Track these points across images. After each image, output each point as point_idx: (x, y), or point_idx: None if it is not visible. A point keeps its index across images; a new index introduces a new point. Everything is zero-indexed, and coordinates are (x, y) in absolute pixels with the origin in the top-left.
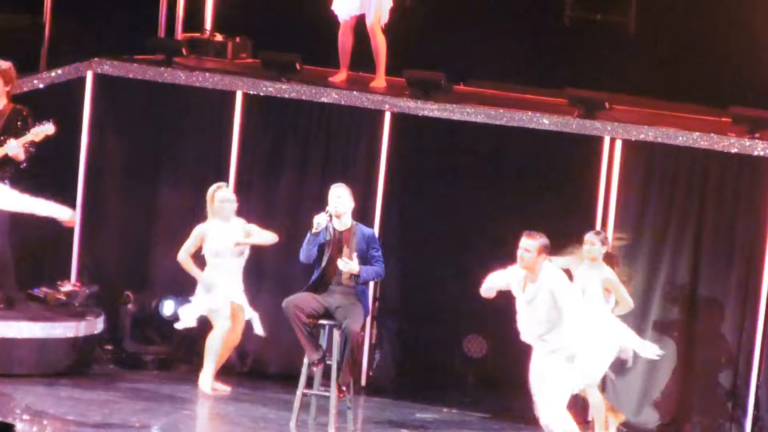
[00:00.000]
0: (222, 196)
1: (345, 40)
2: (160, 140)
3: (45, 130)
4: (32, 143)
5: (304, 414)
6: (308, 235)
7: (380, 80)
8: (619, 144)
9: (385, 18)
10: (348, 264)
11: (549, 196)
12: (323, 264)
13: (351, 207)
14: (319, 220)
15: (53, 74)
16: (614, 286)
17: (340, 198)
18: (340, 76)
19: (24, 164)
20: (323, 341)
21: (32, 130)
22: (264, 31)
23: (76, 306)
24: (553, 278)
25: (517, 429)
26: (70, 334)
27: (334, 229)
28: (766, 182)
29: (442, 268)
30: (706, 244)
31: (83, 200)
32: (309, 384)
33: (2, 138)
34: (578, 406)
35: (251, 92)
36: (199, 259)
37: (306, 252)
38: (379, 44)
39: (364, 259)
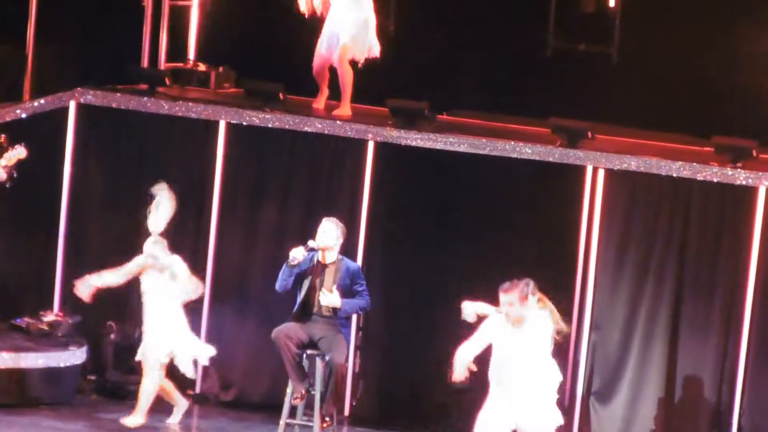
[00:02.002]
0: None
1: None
2: (143, 170)
3: (17, 154)
4: (8, 167)
5: None
6: (284, 266)
7: (344, 108)
8: (601, 173)
9: (372, 52)
10: (328, 297)
11: (532, 225)
12: (303, 294)
13: (338, 243)
14: (296, 255)
15: (36, 104)
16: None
17: (326, 233)
18: (322, 100)
19: (8, 184)
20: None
21: (5, 155)
22: (247, 60)
23: (58, 336)
24: (543, 321)
25: None
26: (53, 365)
27: (318, 261)
28: (748, 211)
29: (426, 298)
30: (689, 273)
31: (66, 230)
32: (292, 414)
33: None
34: None
35: (234, 122)
36: None
37: (281, 282)
38: (345, 74)
39: (347, 294)
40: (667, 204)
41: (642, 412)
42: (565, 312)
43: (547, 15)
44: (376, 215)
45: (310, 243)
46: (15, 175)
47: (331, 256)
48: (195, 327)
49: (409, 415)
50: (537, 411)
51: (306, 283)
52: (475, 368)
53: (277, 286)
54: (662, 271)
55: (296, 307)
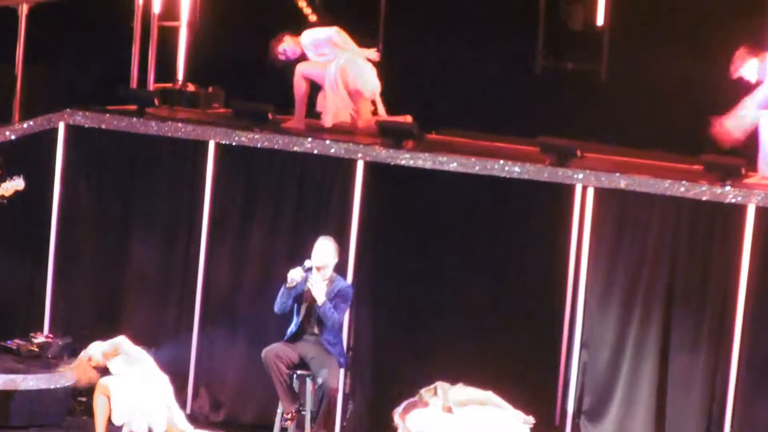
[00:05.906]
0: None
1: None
2: (132, 191)
3: (15, 185)
4: (3, 197)
5: None
6: (282, 288)
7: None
8: (591, 192)
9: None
10: (317, 286)
11: (521, 244)
12: (302, 315)
13: (333, 262)
14: (294, 276)
15: (25, 125)
16: None
17: (322, 251)
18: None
19: None
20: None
21: (2, 186)
22: (236, 81)
23: (49, 357)
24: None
25: None
26: (43, 386)
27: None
28: (737, 230)
29: (415, 318)
30: (679, 292)
31: (55, 251)
32: None
33: None
34: None
35: (224, 142)
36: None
37: (280, 304)
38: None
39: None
40: (656, 222)
41: (632, 430)
42: (555, 331)
43: (535, 34)
44: (366, 235)
45: (307, 263)
46: (5, 202)
47: (326, 273)
48: (185, 348)
49: None
50: None
51: (303, 304)
52: None
53: (276, 308)
54: (652, 290)
55: (293, 329)
